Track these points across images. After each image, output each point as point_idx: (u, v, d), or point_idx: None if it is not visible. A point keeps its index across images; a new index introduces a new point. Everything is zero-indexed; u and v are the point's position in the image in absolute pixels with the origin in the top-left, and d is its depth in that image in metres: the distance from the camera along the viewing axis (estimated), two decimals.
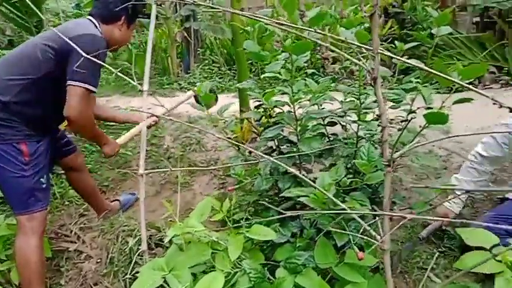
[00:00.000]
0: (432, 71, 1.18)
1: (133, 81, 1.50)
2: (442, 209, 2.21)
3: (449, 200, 2.15)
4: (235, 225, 1.66)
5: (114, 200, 2.77)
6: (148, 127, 2.39)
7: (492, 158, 2.11)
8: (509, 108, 1.09)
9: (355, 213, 1.33)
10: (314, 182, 1.60)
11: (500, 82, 4.57)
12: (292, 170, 1.31)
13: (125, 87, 5.94)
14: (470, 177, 2.15)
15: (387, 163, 1.19)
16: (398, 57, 1.20)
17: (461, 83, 1.19)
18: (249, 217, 1.78)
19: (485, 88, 4.50)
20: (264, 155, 1.39)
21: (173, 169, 2.71)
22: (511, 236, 1.95)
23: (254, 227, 1.58)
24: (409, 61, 1.20)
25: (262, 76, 1.87)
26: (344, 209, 1.39)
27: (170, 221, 1.82)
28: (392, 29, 5.41)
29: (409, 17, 5.43)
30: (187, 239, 1.55)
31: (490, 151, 2.11)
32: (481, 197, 2.52)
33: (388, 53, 1.23)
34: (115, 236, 2.23)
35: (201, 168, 2.80)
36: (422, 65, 1.14)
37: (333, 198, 1.30)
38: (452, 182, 2.19)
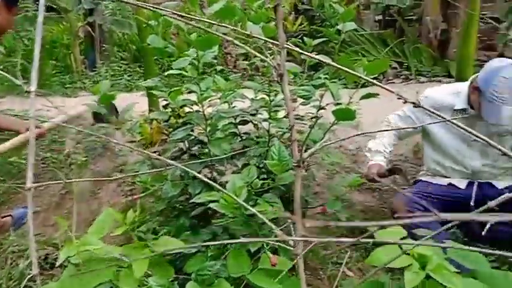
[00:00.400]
0: (339, 66, 1.14)
1: (17, 79, 1.29)
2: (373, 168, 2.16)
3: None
4: (141, 238, 1.51)
5: (5, 216, 2.45)
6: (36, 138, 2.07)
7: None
8: (413, 103, 1.07)
9: (275, 215, 1.27)
10: (226, 185, 1.51)
11: (401, 77, 4.88)
12: (198, 175, 1.20)
13: (21, 88, 5.37)
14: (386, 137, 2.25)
15: (297, 164, 1.13)
16: (306, 53, 1.14)
17: (366, 78, 1.15)
18: (158, 228, 1.64)
19: (388, 82, 4.77)
20: (168, 161, 1.26)
21: (68, 181, 2.46)
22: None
23: (161, 239, 1.45)
24: (316, 56, 1.15)
25: (166, 73, 1.73)
26: (258, 212, 1.31)
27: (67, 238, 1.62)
28: (303, 25, 5.52)
29: (317, 13, 5.58)
30: (84, 258, 1.37)
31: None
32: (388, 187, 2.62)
33: (296, 49, 1.17)
34: (4, 257, 1.95)
35: (101, 178, 2.57)
36: (329, 61, 1.09)
37: (242, 203, 1.21)
38: (370, 146, 2.25)
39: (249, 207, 1.25)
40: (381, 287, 1.41)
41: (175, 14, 1.26)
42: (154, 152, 2.38)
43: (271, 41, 1.27)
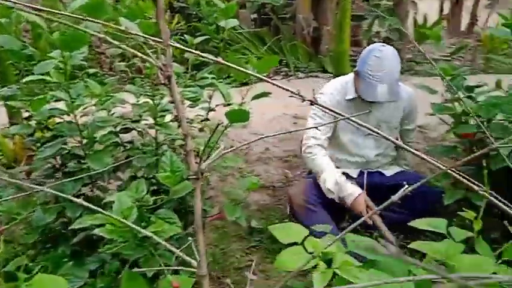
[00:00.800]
0: (230, 64, 1.04)
1: None
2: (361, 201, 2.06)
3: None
4: (10, 277, 1.25)
5: None
6: None
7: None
8: (310, 101, 1.02)
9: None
10: (111, 205, 1.31)
11: (282, 74, 5.02)
12: (73, 198, 1.00)
13: None
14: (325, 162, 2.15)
15: (195, 176, 1.01)
16: (193, 51, 1.02)
17: (259, 75, 1.08)
18: (31, 264, 1.37)
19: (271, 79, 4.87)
20: (35, 186, 1.04)
21: None
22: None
23: (36, 278, 1.20)
24: (205, 55, 1.03)
25: (24, 80, 1.46)
26: (153, 233, 1.16)
27: None
28: (180, 24, 5.36)
29: (194, 12, 5.47)
30: None
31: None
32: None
33: (181, 46, 1.04)
34: None
35: None
36: (218, 59, 0.99)
37: (133, 226, 1.05)
38: (324, 183, 2.10)
39: (141, 230, 1.09)
40: None
41: (33, 7, 1.04)
42: (21, 171, 2.03)
43: (154, 38, 1.12)
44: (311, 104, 1.00)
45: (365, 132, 2.16)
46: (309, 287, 1.38)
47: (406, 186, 0.91)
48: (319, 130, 2.11)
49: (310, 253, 1.36)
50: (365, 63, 1.96)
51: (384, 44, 2.07)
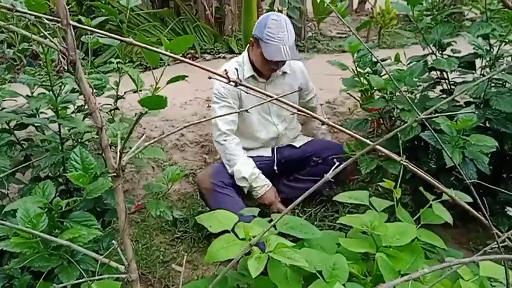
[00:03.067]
0: (145, 46, 0.94)
1: None
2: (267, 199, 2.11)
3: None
4: None
5: None
6: None
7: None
8: (235, 82, 0.96)
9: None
10: (14, 213, 1.14)
11: (188, 56, 4.85)
12: None
13: None
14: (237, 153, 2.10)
15: (115, 173, 0.90)
16: (97, 30, 0.89)
17: (178, 57, 0.99)
18: None
19: (177, 63, 4.69)
20: None
21: None
22: None
23: None
24: (113, 35, 0.91)
25: None
26: (70, 239, 1.03)
27: None
28: (70, 5, 4.89)
29: None
30: None
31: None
32: None
33: (84, 26, 0.90)
34: None
35: None
36: (130, 40, 0.88)
37: (44, 236, 0.92)
38: (238, 174, 2.07)
39: (53, 239, 0.96)
40: (225, 282, 1.32)
41: None
42: None
43: (50, 17, 0.96)
44: (235, 86, 0.94)
45: (268, 109, 2.19)
46: (244, 273, 1.35)
47: (337, 163, 0.91)
48: (228, 106, 2.10)
49: (242, 239, 1.32)
50: (265, 28, 1.98)
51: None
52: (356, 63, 2.05)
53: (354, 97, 2.70)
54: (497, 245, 0.98)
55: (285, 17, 2.07)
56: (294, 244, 1.31)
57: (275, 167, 2.26)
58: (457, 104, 2.07)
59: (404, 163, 1.04)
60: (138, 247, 2.01)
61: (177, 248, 2.05)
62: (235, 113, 2.14)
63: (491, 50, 1.86)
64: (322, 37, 5.83)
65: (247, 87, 0.89)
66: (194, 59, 4.79)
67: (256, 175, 2.07)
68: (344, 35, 6.10)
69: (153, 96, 1.23)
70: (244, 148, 2.16)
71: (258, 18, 5.67)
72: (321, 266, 1.24)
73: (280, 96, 0.91)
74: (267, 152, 2.27)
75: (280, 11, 5.33)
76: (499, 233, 1.02)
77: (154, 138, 2.72)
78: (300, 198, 0.88)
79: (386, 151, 1.02)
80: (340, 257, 1.27)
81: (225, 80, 0.92)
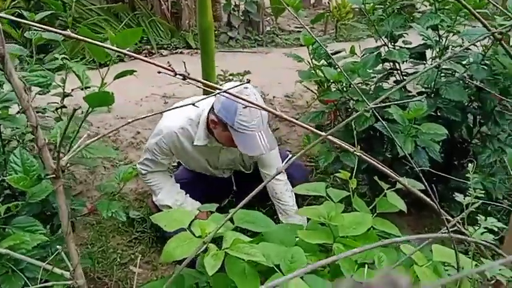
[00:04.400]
0: (87, 39, 0.88)
1: None
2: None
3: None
4: None
5: None
6: None
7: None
8: (182, 75, 0.93)
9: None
10: None
11: (144, 52, 4.73)
12: None
13: None
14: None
15: (54, 174, 0.85)
16: (35, 23, 0.84)
17: (125, 51, 0.94)
18: None
19: (132, 59, 4.56)
20: None
21: None
22: None
23: None
24: (50, 29, 0.86)
25: None
26: (11, 248, 0.97)
27: None
28: (16, 1, 4.65)
29: None
30: None
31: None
32: None
33: (18, 19, 0.84)
34: None
35: None
36: (68, 33, 0.82)
37: None
38: (160, 202, 1.95)
39: None
40: (182, 281, 1.29)
41: None
42: None
43: None
44: (183, 79, 0.91)
45: (218, 165, 2.04)
46: (203, 271, 1.32)
47: (289, 155, 0.90)
48: (157, 159, 1.90)
49: (199, 237, 1.30)
50: (235, 114, 1.62)
51: (241, 83, 1.78)
52: (311, 56, 2.05)
53: (311, 90, 2.71)
54: (447, 230, 1.01)
55: (254, 90, 1.69)
56: (251, 239, 1.29)
57: (234, 187, 2.16)
58: (410, 94, 2.12)
59: (358, 153, 1.05)
60: (93, 250, 1.93)
61: (135, 249, 1.99)
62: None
63: (441, 40, 1.91)
64: (281, 31, 5.84)
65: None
66: (150, 55, 4.68)
67: (180, 202, 1.94)
68: (302, 29, 6.15)
69: (98, 93, 1.18)
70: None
71: (213, 11, 5.53)
72: (279, 260, 1.23)
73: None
74: (225, 175, 2.15)
75: (237, 5, 5.30)
76: (450, 218, 1.04)
77: (108, 137, 2.64)
78: (251, 194, 0.85)
79: (338, 141, 1.02)
80: (298, 249, 1.27)
81: (171, 74, 0.88)
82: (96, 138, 0.93)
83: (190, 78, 0.92)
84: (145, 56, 4.64)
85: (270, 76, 3.60)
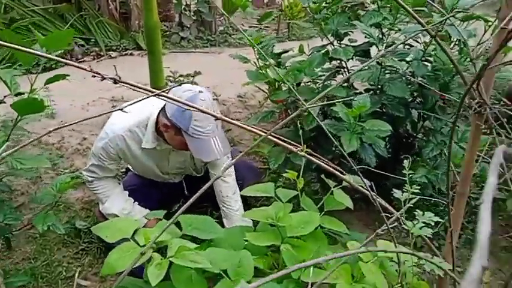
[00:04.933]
0: (9, 45, 0.82)
1: None
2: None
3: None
4: None
5: None
6: None
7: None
8: (112, 79, 0.88)
9: None
10: None
11: (92, 54, 4.57)
12: None
13: None
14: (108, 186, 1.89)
15: None
16: None
17: (50, 56, 0.88)
18: None
19: (79, 62, 4.39)
20: None
21: None
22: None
23: None
24: None
25: None
26: None
27: None
28: None
29: None
30: None
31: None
32: None
33: None
34: None
35: None
36: None
37: None
38: (107, 210, 1.87)
39: None
40: None
41: None
42: None
43: None
44: (114, 83, 0.86)
45: (166, 159, 1.94)
46: (147, 281, 1.28)
47: (229, 158, 0.87)
48: (104, 165, 1.81)
49: (144, 246, 1.25)
50: (190, 120, 1.56)
51: (197, 87, 1.68)
52: (257, 56, 2.04)
53: (262, 90, 2.70)
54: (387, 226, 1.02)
55: (208, 94, 1.65)
56: (198, 245, 1.26)
57: (186, 192, 2.09)
58: (357, 91, 2.15)
59: (301, 154, 1.04)
60: (36, 265, 1.83)
61: (82, 261, 1.90)
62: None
63: (384, 38, 1.95)
64: (234, 31, 5.82)
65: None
66: (99, 57, 4.52)
67: (128, 210, 1.87)
68: (256, 28, 6.15)
69: (27, 100, 1.11)
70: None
71: (166, 11, 5.40)
72: (226, 265, 1.21)
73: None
74: (176, 179, 2.08)
75: (188, 5, 5.23)
76: (388, 215, 1.05)
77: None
78: (194, 198, 0.81)
79: (280, 141, 1.01)
80: (246, 253, 1.25)
81: (99, 78, 0.83)
82: (19, 146, 0.87)
83: (121, 82, 0.88)
84: (94, 59, 4.50)
85: (222, 76, 3.57)
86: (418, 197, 0.98)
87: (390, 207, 1.19)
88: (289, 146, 1.01)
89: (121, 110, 0.83)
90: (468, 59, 1.78)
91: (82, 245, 1.98)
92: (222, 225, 1.93)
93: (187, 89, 1.63)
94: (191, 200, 0.79)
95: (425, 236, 1.02)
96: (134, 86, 0.93)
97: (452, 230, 1.08)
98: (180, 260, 1.14)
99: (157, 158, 1.89)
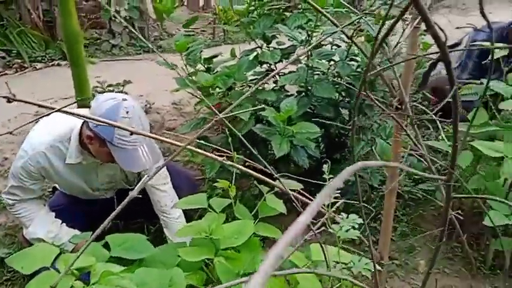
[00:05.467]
0: None
1: None
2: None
3: None
4: None
5: None
6: None
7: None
8: (6, 97, 0.80)
9: None
10: None
11: (14, 67, 4.27)
12: None
13: None
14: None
15: None
16: None
17: None
18: None
19: (1, 75, 4.09)
20: None
21: None
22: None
23: None
24: None
25: None
26: None
27: None
28: None
29: None
30: None
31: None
32: None
33: None
34: None
35: None
36: None
37: None
38: (32, 235, 1.72)
39: None
40: None
41: None
42: None
43: None
44: (8, 101, 0.78)
45: (95, 173, 1.82)
46: None
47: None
48: (25, 186, 1.68)
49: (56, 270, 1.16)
50: (114, 129, 1.48)
51: (121, 95, 1.59)
52: (185, 62, 1.98)
53: (196, 96, 2.64)
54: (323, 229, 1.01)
55: (134, 102, 1.56)
56: (126, 268, 1.19)
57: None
58: (289, 94, 2.15)
59: (227, 162, 1.01)
60: None
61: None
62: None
63: (309, 39, 1.97)
64: (169, 36, 5.70)
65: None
66: (22, 69, 4.24)
67: (54, 233, 1.73)
68: (192, 33, 6.06)
69: None
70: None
71: (97, 18, 5.16)
72: (157, 285, 1.15)
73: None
74: (108, 195, 1.95)
75: (118, 12, 5.05)
76: (314, 220, 1.04)
77: None
78: (114, 213, 0.73)
79: (199, 151, 0.97)
80: (177, 270, 1.19)
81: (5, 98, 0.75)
82: None
83: (16, 100, 0.80)
84: (16, 71, 4.21)
85: (156, 83, 3.48)
86: (342, 201, 0.98)
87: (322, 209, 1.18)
88: (210, 155, 0.98)
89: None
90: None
91: (7, 275, 1.83)
92: (162, 239, 1.87)
93: (110, 97, 1.53)
94: (110, 217, 0.72)
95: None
96: (32, 103, 0.85)
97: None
98: (104, 286, 1.06)
99: (84, 173, 1.78)
